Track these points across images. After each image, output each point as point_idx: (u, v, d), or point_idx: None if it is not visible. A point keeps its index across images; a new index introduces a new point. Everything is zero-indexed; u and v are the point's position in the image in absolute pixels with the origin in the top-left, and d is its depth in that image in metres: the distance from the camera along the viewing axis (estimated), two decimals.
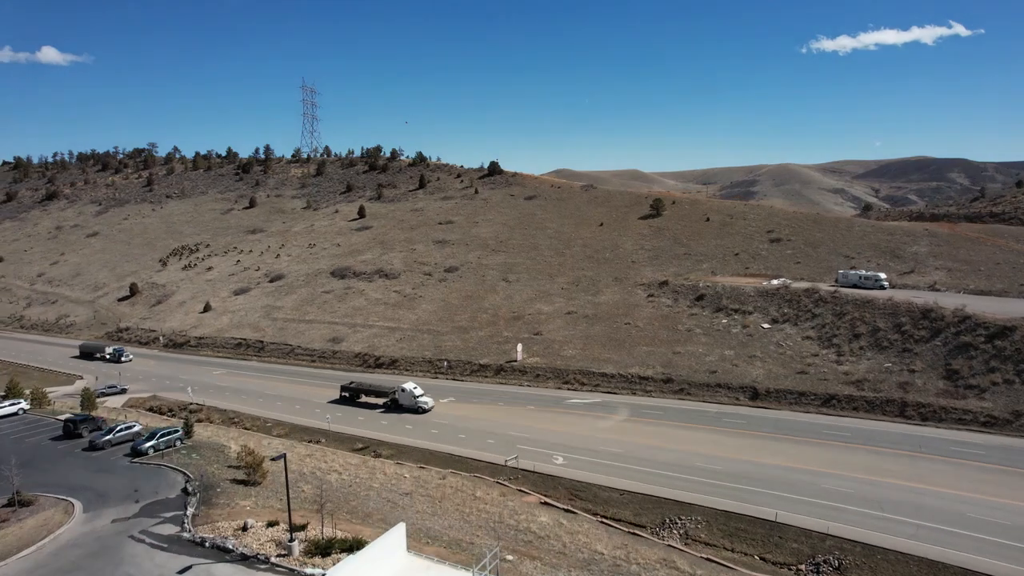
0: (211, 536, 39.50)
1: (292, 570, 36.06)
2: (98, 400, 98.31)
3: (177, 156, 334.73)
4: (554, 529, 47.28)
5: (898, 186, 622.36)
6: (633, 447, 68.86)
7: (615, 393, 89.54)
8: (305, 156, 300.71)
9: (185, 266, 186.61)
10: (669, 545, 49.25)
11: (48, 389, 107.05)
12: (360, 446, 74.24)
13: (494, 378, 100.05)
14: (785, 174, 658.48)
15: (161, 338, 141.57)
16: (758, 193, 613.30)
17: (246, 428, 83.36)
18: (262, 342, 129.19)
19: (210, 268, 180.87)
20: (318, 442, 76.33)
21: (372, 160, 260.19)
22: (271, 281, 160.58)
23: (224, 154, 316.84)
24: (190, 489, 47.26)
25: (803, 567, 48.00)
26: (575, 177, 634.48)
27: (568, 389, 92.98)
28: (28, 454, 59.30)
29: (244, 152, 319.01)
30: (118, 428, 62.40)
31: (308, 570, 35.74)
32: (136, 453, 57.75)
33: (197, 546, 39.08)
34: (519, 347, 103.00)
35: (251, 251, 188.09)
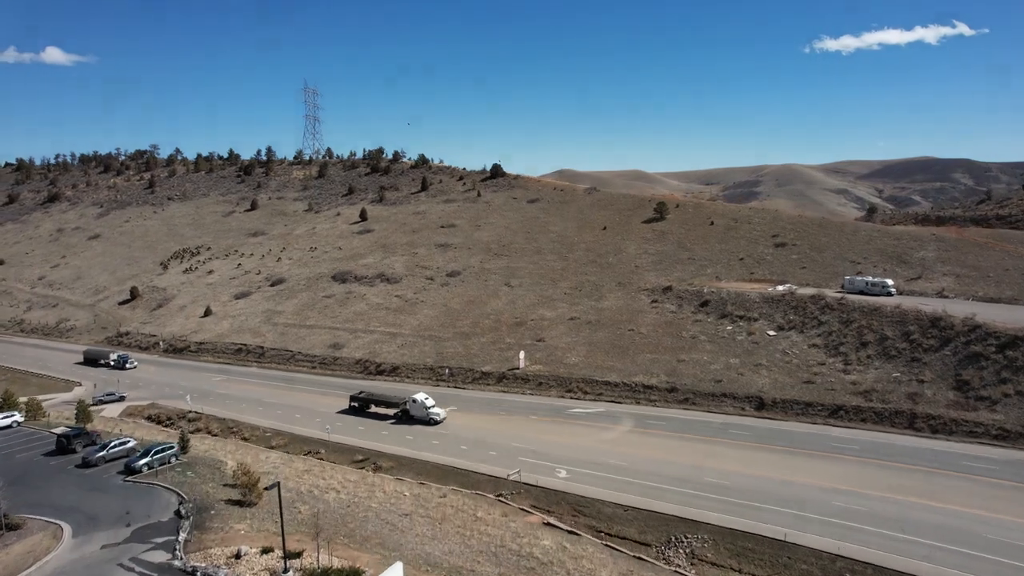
0: (203, 565, 38.26)
1: None
2: (96, 408, 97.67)
3: (179, 158, 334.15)
4: (557, 554, 45.98)
5: (902, 186, 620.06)
6: (637, 460, 67.57)
7: (619, 402, 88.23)
8: (307, 158, 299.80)
9: (186, 269, 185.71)
10: (676, 571, 47.89)
11: (46, 396, 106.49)
12: (360, 458, 73.08)
13: (496, 386, 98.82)
14: (788, 174, 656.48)
15: (161, 343, 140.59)
16: (761, 194, 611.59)
17: (245, 438, 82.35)
18: (262, 348, 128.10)
19: (211, 272, 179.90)
20: (317, 453, 75.23)
21: (374, 162, 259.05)
22: (272, 285, 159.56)
23: (226, 156, 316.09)
24: (183, 512, 46.07)
25: None
26: (578, 178, 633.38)
27: (571, 398, 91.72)
28: (19, 471, 58.23)
29: (246, 154, 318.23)
30: (112, 444, 61.22)
31: None
32: (130, 471, 56.53)
33: None
34: (521, 354, 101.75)
35: (252, 254, 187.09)
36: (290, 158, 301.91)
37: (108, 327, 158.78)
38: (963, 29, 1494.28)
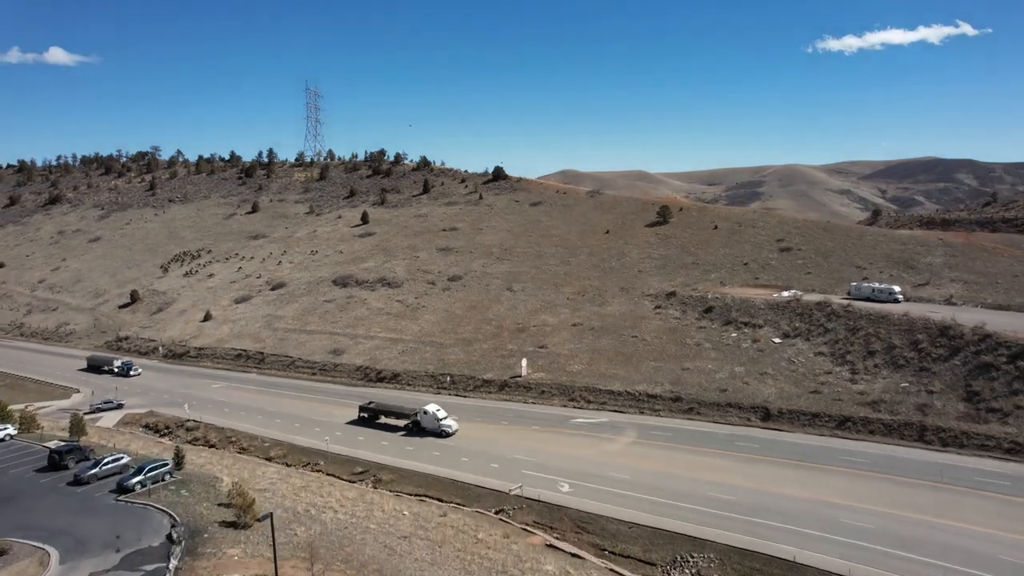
0: None
1: None
2: (93, 416, 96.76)
3: (180, 159, 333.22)
4: None
5: (905, 187, 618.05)
6: (642, 473, 66.34)
7: (622, 412, 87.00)
8: (309, 160, 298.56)
9: (186, 273, 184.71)
10: None
11: (43, 403, 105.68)
12: (360, 470, 71.94)
13: (498, 394, 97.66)
14: (791, 175, 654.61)
15: (161, 348, 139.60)
16: (764, 194, 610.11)
17: (243, 449, 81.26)
18: (262, 353, 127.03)
19: (211, 275, 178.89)
20: (317, 465, 74.11)
21: (376, 164, 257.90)
22: (272, 289, 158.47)
23: (227, 157, 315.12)
24: (175, 536, 44.79)
25: None
26: (580, 178, 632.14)
27: (574, 407, 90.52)
28: (9, 489, 56.98)
29: (247, 156, 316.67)
30: (105, 460, 59.98)
31: None
32: (122, 489, 55.26)
33: None
34: (524, 362, 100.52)
35: (253, 257, 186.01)
36: (291, 160, 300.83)
37: (108, 331, 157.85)
38: (966, 29, 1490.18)
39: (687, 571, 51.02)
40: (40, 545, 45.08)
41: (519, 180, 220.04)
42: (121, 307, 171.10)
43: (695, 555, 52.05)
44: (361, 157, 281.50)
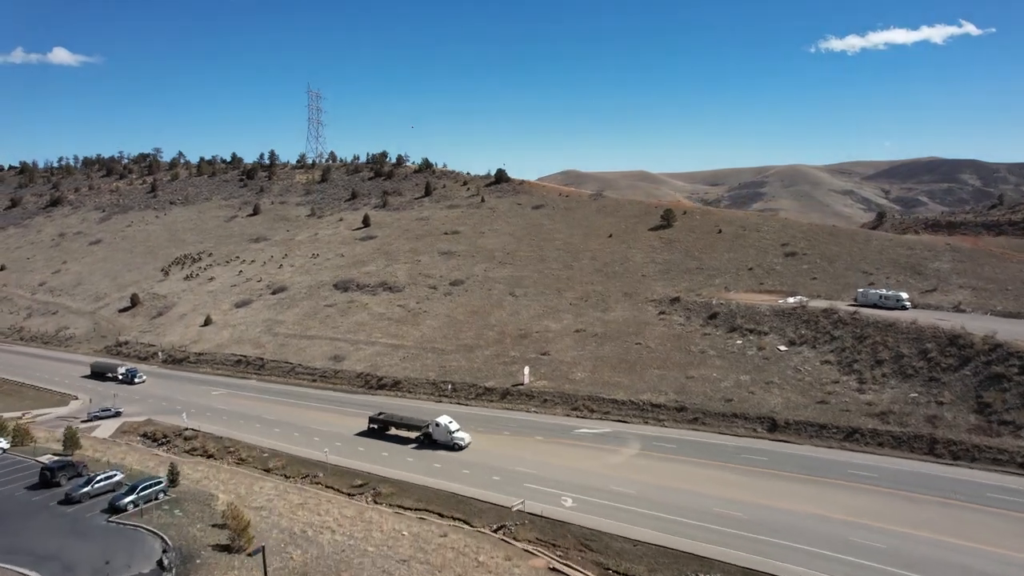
0: None
1: None
2: (91, 425, 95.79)
3: (182, 161, 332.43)
4: None
5: (908, 187, 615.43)
6: (646, 488, 65.07)
7: (626, 421, 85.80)
8: (310, 162, 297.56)
9: (187, 276, 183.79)
10: None
11: (41, 411, 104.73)
12: (359, 482, 70.77)
13: (500, 402, 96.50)
14: (794, 175, 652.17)
15: (160, 354, 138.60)
16: (767, 194, 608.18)
17: (242, 460, 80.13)
18: (262, 359, 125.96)
19: (212, 279, 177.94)
20: (316, 477, 72.95)
21: (377, 166, 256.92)
22: (273, 293, 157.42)
23: (229, 159, 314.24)
24: (166, 563, 43.44)
25: None
26: (583, 178, 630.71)
27: (577, 416, 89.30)
28: None
29: (249, 157, 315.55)
30: (98, 478, 58.64)
31: None
32: (114, 509, 53.82)
33: None
34: (526, 370, 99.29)
35: (254, 261, 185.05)
36: (293, 162, 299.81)
37: (108, 336, 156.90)
38: (970, 29, 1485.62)
39: None
40: (26, 572, 43.67)
41: (521, 183, 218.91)
42: (121, 311, 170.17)
43: (701, 575, 50.79)
44: (363, 159, 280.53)
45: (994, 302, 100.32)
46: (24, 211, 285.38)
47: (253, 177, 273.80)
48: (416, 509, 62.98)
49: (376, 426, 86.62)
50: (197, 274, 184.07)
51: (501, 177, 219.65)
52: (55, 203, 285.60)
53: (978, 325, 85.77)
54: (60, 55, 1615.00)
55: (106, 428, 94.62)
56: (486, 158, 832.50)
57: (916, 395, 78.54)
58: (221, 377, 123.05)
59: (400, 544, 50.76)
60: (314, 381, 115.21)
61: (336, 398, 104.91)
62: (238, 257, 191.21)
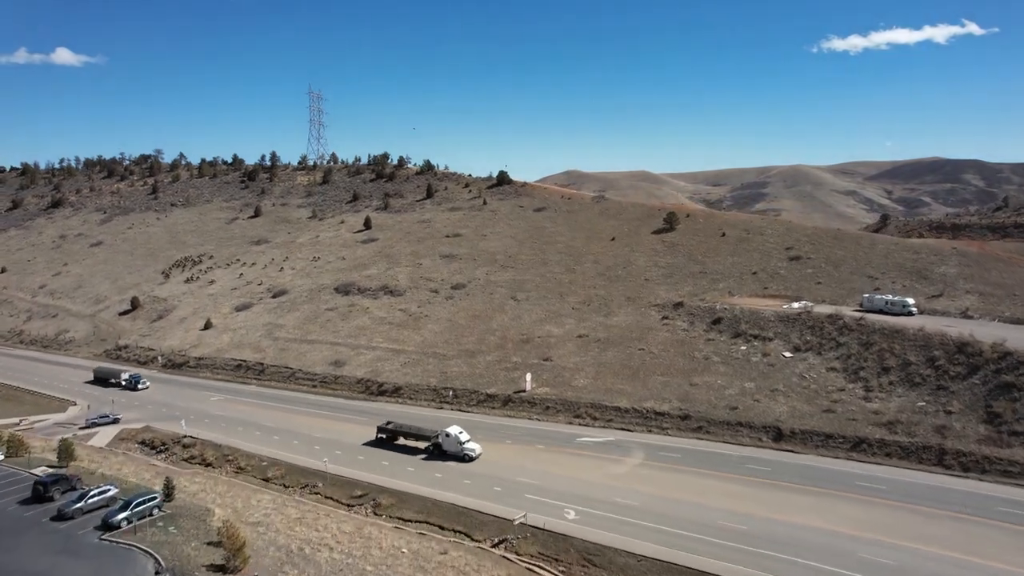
0: None
1: None
2: (89, 432, 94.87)
3: (183, 163, 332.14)
4: None
5: (911, 188, 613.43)
6: (650, 499, 64.03)
7: (629, 430, 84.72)
8: (312, 163, 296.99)
9: (188, 279, 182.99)
10: None
11: (38, 417, 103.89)
12: (359, 493, 69.82)
13: (502, 409, 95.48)
14: (796, 176, 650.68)
15: (160, 358, 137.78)
16: (769, 195, 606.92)
17: (240, 468, 79.20)
18: (262, 364, 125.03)
19: (212, 281, 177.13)
20: (315, 487, 72.03)
21: (379, 168, 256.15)
22: (274, 297, 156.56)
23: (230, 161, 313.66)
24: None
25: None
26: (585, 178, 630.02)
27: (579, 424, 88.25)
28: None
29: (250, 159, 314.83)
30: (91, 493, 57.60)
31: None
32: (107, 527, 52.88)
33: None
34: (528, 377, 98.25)
35: (255, 263, 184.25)
36: (294, 163, 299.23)
37: (108, 339, 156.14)
38: (973, 28, 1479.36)
39: None
40: None
41: (523, 184, 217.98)
42: (121, 314, 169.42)
43: None
44: (364, 160, 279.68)
45: (1002, 308, 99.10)
46: (25, 212, 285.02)
47: (254, 179, 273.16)
48: (416, 521, 62.07)
49: (384, 436, 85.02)
50: (197, 277, 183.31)
51: (503, 179, 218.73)
52: (56, 204, 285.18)
53: (986, 332, 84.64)
54: (63, 55, 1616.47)
55: (104, 435, 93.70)
56: (488, 158, 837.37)
57: (924, 404, 77.41)
58: (221, 382, 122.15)
59: (399, 563, 49.77)
60: (314, 386, 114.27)
61: (336, 404, 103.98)
62: (239, 259, 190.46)
